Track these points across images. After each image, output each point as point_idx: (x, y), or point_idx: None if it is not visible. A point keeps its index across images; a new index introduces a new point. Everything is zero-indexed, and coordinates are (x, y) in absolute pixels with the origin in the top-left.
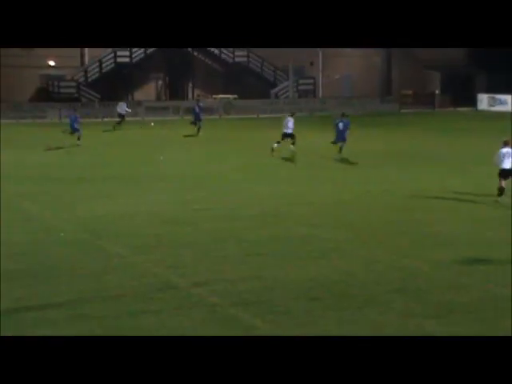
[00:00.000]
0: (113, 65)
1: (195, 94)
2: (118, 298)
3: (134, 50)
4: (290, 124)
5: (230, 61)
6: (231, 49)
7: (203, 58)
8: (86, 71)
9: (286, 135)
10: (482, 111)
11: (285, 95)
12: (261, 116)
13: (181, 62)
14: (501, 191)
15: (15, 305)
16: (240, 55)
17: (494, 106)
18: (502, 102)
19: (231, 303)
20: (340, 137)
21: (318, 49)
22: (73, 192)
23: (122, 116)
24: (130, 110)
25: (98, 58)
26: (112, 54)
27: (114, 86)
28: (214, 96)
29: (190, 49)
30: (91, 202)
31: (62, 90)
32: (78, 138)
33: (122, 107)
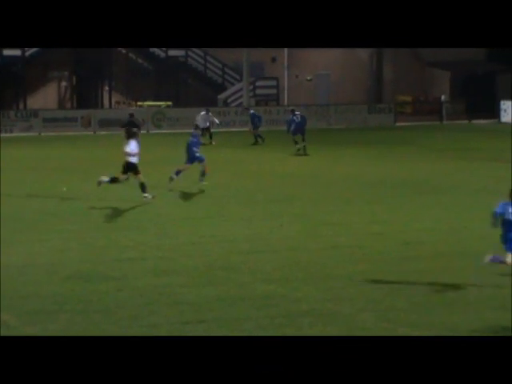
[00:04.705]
0: None
1: (113, 101)
2: None
3: None
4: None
5: (162, 55)
6: None
7: (125, 51)
8: None
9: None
10: (507, 124)
11: (237, 102)
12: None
13: (93, 56)
14: None
15: None
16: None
17: None
18: None
19: None
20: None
21: None
22: None
23: (207, 129)
24: (218, 122)
25: None
26: None
27: None
28: (139, 103)
29: None
30: None
31: None
32: None
33: (205, 118)
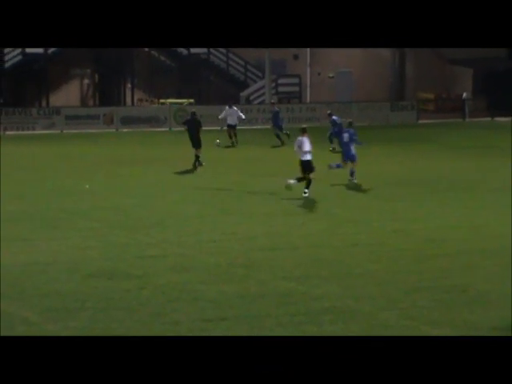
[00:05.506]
0: (20, 57)
1: (136, 98)
2: None
3: None
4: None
5: (185, 52)
6: None
7: (147, 49)
8: None
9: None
10: None
11: (259, 99)
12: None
13: (115, 54)
14: None
15: None
16: None
17: None
18: None
19: None
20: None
21: None
22: None
23: (232, 128)
24: (243, 117)
25: None
26: None
27: (21, 87)
28: (161, 100)
29: None
30: None
31: None
32: None
33: (232, 113)
